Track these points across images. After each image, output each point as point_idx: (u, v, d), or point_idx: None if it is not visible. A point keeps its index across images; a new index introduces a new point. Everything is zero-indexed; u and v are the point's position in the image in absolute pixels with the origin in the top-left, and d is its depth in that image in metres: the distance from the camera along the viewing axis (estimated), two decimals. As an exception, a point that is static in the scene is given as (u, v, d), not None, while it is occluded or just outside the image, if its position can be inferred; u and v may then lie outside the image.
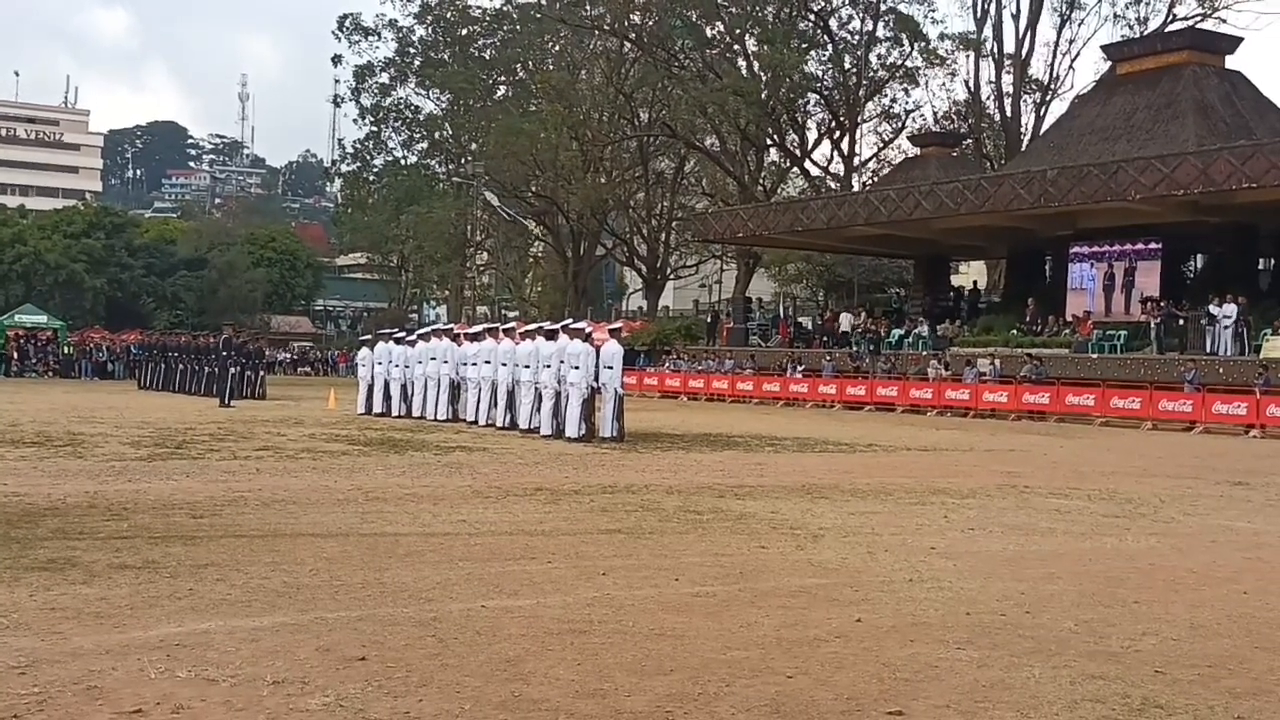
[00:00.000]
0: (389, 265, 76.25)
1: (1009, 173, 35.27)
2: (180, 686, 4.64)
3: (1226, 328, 28.42)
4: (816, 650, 5.50)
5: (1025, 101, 50.49)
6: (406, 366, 23.30)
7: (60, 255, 59.31)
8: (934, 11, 78.27)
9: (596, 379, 18.20)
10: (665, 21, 52.24)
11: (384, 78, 65.57)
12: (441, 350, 22.44)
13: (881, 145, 54.86)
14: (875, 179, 50.95)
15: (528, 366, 19.33)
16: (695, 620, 6.04)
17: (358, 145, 68.68)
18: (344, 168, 71.90)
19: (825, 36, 51.16)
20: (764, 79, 49.46)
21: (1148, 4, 48.13)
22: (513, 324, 23.10)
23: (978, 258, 50.11)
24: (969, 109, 51.71)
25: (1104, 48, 40.17)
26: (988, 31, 49.84)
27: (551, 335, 19.24)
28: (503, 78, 63.88)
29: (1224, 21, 45.59)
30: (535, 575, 7.17)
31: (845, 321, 39.99)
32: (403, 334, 25.19)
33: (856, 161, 52.62)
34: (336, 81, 74.71)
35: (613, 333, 19.77)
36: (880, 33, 50.96)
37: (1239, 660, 5.55)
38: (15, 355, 47.38)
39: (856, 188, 48.69)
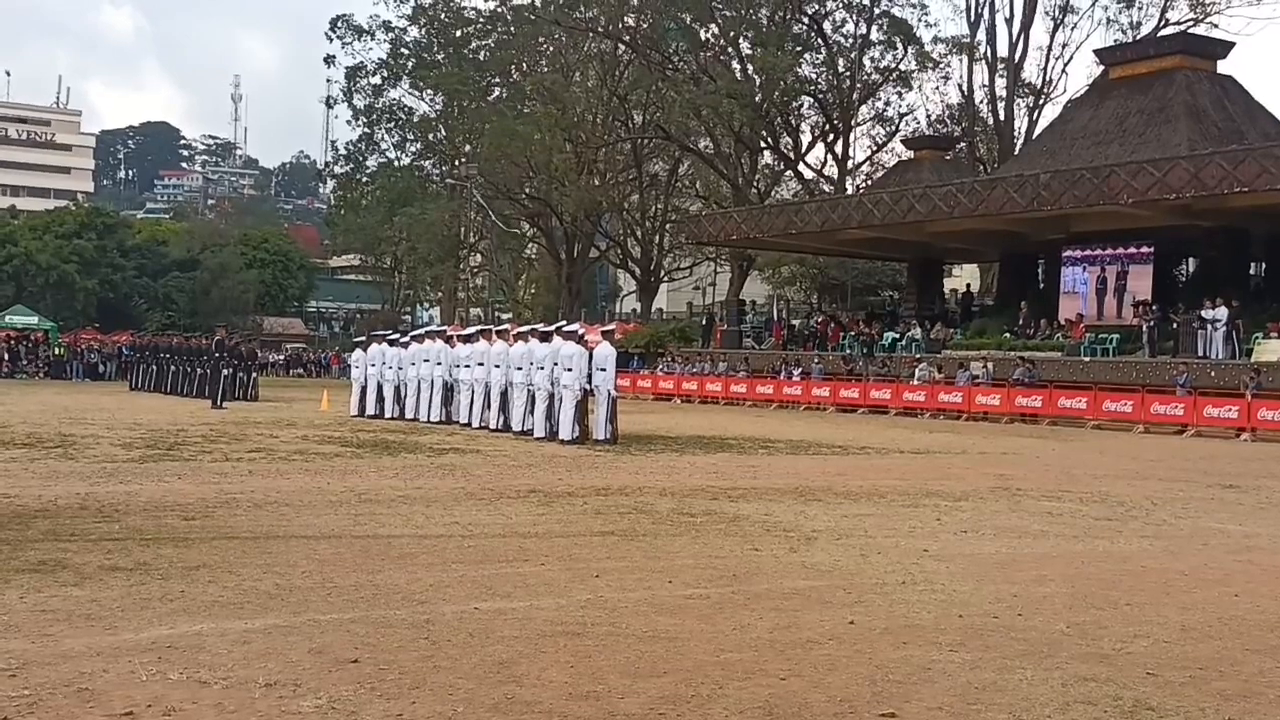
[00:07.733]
0: (382, 267, 76.19)
1: (1002, 176, 35.31)
2: (172, 689, 4.63)
3: (1218, 331, 28.49)
4: (809, 652, 5.51)
5: (1018, 105, 50.65)
6: (400, 368, 23.28)
7: (51, 256, 59.20)
8: (927, 15, 78.18)
9: (590, 381, 18.19)
10: (659, 24, 52.30)
11: (377, 79, 65.53)
12: (435, 352, 22.41)
13: (875, 148, 55.04)
14: (869, 182, 51.01)
15: (521, 369, 19.31)
16: (688, 622, 6.04)
17: (351, 147, 68.63)
18: (337, 169, 71.79)
19: (819, 39, 51.25)
20: (758, 82, 49.50)
21: (1140, 9, 48.38)
22: (506, 326, 23.12)
23: (971, 261, 50.20)
24: (962, 112, 51.79)
25: (1097, 52, 40.25)
26: (981, 35, 50.01)
27: (545, 337, 19.22)
28: (497, 79, 63.81)
29: (1216, 26, 45.86)
30: (528, 577, 7.17)
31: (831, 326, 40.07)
32: (396, 336, 25.15)
33: (850, 164, 52.75)
34: (329, 83, 74.42)
35: (606, 335, 19.81)
36: (874, 36, 51.11)
37: (1230, 662, 5.56)
38: (6, 356, 47.22)
39: (850, 191, 48.73)
